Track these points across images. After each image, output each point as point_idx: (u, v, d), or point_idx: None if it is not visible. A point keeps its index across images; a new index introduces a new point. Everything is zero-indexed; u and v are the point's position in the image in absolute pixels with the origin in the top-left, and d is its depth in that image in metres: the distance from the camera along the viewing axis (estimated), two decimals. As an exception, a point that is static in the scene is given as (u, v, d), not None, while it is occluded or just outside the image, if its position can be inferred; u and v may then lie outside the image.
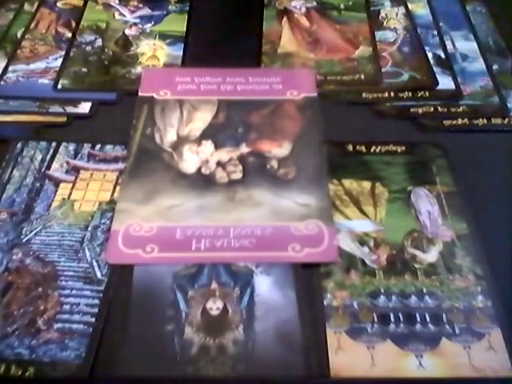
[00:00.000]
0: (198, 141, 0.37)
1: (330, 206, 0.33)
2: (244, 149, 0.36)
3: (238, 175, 0.35)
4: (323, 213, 0.33)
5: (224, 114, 0.39)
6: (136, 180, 0.34)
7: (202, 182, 0.35)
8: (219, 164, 0.35)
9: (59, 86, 0.41)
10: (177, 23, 0.47)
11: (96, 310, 0.29)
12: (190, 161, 0.36)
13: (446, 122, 0.39)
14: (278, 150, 0.36)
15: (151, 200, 0.33)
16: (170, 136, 0.37)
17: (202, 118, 0.38)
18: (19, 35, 0.46)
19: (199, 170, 0.35)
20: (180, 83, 0.41)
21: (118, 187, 0.35)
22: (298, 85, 0.40)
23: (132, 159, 0.36)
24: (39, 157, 0.37)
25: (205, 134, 0.37)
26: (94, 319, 0.29)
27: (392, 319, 0.29)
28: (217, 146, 0.37)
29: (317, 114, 0.39)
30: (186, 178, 0.35)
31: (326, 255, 0.31)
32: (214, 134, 0.37)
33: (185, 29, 0.46)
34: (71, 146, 0.37)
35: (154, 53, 0.44)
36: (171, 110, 0.39)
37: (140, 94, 0.40)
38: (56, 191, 0.35)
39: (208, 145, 0.36)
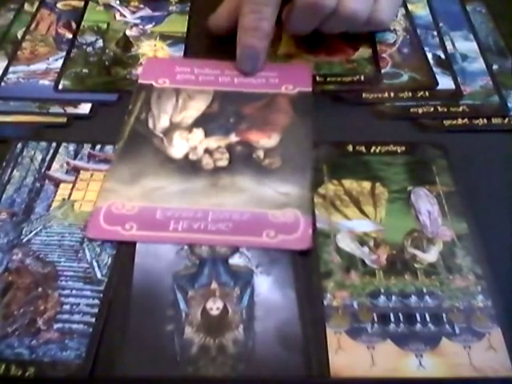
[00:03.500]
0: (190, 128, 0.38)
1: (310, 196, 0.34)
2: (233, 138, 0.37)
3: (223, 162, 0.35)
4: (302, 202, 0.33)
5: (218, 105, 0.39)
6: (124, 161, 0.35)
7: (188, 167, 0.35)
8: (207, 151, 0.36)
9: (60, 87, 0.41)
10: (177, 24, 0.47)
11: (96, 310, 0.29)
12: (179, 147, 0.36)
13: (446, 122, 0.39)
14: (266, 140, 0.37)
15: (137, 181, 0.34)
16: (163, 122, 0.38)
17: (196, 107, 0.39)
18: (19, 36, 0.46)
19: (187, 155, 0.36)
20: (179, 73, 0.42)
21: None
22: (294, 79, 0.41)
23: (123, 142, 0.36)
24: (39, 157, 0.37)
25: (197, 122, 0.38)
26: (94, 319, 0.29)
27: (392, 319, 0.29)
28: (206, 134, 0.37)
29: (309, 108, 0.39)
30: (173, 162, 0.36)
31: (299, 243, 0.31)
32: (205, 122, 0.38)
33: (185, 29, 0.47)
34: (71, 147, 0.37)
35: (154, 54, 0.44)
36: (167, 98, 0.40)
37: (139, 81, 0.41)
38: (56, 191, 0.35)
39: (198, 132, 0.37)
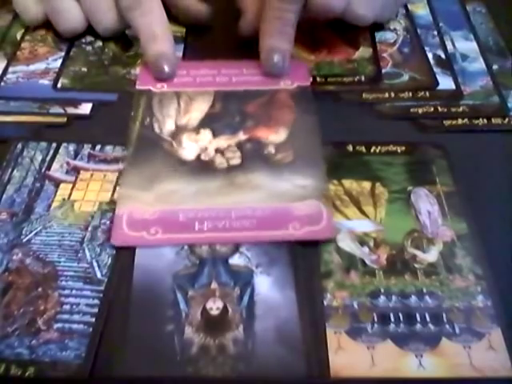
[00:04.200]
0: (197, 130, 0.38)
1: (327, 186, 0.34)
2: (241, 136, 0.37)
3: (236, 161, 0.35)
4: (321, 193, 0.33)
5: (220, 104, 0.39)
6: (137, 167, 0.35)
7: (202, 168, 0.35)
8: (218, 151, 0.36)
9: (59, 85, 0.41)
10: (177, 24, 0.47)
11: (96, 310, 0.29)
12: (189, 148, 0.36)
13: (446, 122, 0.39)
14: (274, 136, 0.37)
15: (153, 186, 0.34)
16: (169, 126, 0.38)
17: (199, 109, 0.39)
18: (19, 36, 0.46)
19: (198, 156, 0.36)
20: (177, 76, 0.42)
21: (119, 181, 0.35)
22: (292, 75, 0.41)
23: (132, 148, 0.36)
24: (39, 157, 0.37)
25: (202, 123, 0.38)
26: (93, 319, 0.29)
27: (392, 319, 0.29)
28: (215, 134, 0.37)
29: (310, 101, 0.39)
30: (186, 164, 0.36)
31: (324, 232, 0.32)
32: (211, 122, 0.38)
33: (185, 29, 0.47)
34: (71, 147, 0.37)
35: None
36: (169, 102, 0.40)
37: (137, 86, 0.41)
38: (56, 191, 0.35)
39: (206, 133, 0.37)
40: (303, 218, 0.32)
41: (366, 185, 0.35)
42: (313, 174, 0.34)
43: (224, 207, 0.33)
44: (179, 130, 0.38)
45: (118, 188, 0.34)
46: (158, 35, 0.41)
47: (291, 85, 0.40)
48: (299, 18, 0.40)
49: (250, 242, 0.32)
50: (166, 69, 0.41)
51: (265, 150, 0.36)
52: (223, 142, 0.37)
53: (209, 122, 0.38)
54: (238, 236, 0.32)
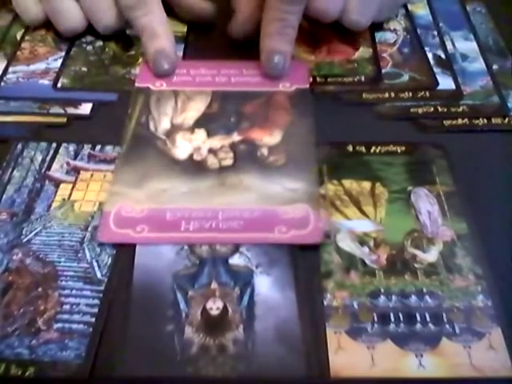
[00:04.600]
0: (191, 129, 0.38)
1: (318, 190, 0.34)
2: (235, 137, 0.37)
3: (228, 162, 0.36)
4: (310, 197, 0.33)
5: (217, 105, 0.39)
6: (129, 165, 0.35)
7: (194, 167, 0.35)
8: (211, 151, 0.36)
9: (59, 85, 0.42)
10: (177, 23, 0.47)
11: (96, 310, 0.29)
12: (183, 148, 0.37)
13: (446, 122, 0.39)
14: (268, 138, 0.37)
15: (143, 184, 0.34)
16: (164, 124, 0.38)
17: (196, 108, 0.39)
18: (19, 37, 0.46)
19: (191, 156, 0.36)
20: (176, 75, 0.42)
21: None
22: (291, 77, 0.41)
23: (126, 145, 0.37)
24: (39, 157, 0.37)
25: (198, 123, 0.38)
26: (93, 319, 0.29)
27: (392, 319, 0.29)
28: (209, 134, 0.37)
29: (308, 104, 0.39)
30: (178, 163, 0.36)
31: (310, 237, 0.31)
32: (207, 122, 0.38)
33: (185, 29, 0.47)
34: (71, 147, 0.37)
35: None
36: (166, 100, 0.40)
37: (136, 84, 0.41)
38: (56, 192, 0.35)
39: (201, 133, 0.37)
40: (290, 222, 0.32)
41: (366, 185, 0.35)
42: (304, 178, 0.34)
43: (213, 208, 0.33)
44: (174, 129, 0.38)
45: (109, 185, 0.35)
46: (159, 33, 0.41)
47: (290, 87, 0.40)
48: (300, 20, 0.40)
49: (235, 244, 0.32)
50: (166, 65, 0.41)
51: (258, 151, 0.36)
52: (217, 142, 0.37)
53: (204, 121, 0.38)
54: (224, 237, 0.32)
